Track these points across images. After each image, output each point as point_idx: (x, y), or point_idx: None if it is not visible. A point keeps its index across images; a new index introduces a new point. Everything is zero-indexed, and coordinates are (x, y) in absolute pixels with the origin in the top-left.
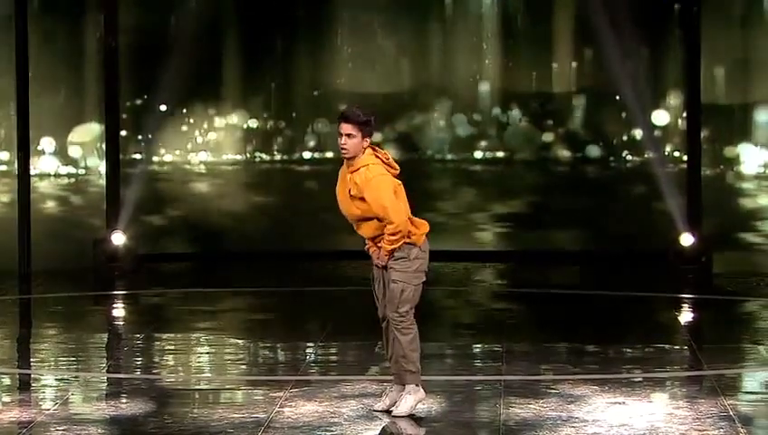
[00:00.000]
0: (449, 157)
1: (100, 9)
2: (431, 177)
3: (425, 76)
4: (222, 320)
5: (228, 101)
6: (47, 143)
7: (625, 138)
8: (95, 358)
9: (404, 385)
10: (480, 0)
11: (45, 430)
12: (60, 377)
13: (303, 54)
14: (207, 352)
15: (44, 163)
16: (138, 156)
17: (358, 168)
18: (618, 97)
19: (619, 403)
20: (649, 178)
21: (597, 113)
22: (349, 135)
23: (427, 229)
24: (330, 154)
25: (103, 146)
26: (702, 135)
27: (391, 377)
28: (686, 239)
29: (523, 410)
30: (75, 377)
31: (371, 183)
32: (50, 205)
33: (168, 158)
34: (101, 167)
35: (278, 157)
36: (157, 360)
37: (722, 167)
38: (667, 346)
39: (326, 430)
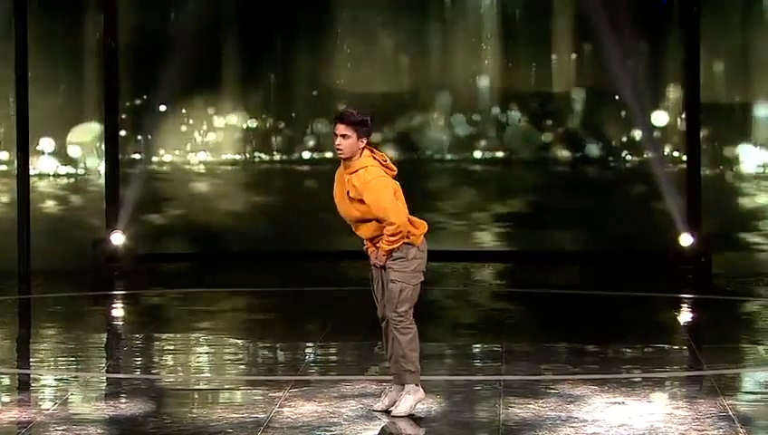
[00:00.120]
0: (449, 157)
1: (100, 9)
2: (430, 177)
3: (424, 76)
4: (221, 320)
5: (228, 101)
6: (47, 143)
7: (624, 138)
8: (94, 358)
9: (403, 385)
10: (479, 0)
11: (45, 430)
12: (59, 377)
13: (303, 54)
14: (207, 353)
15: (44, 163)
16: (137, 156)
17: (356, 169)
18: (617, 97)
19: (619, 403)
20: (649, 178)
21: (596, 113)
22: (344, 135)
23: (426, 229)
24: (329, 154)
25: (103, 146)
26: (701, 135)
27: (391, 377)
28: (686, 239)
29: (523, 410)
30: (75, 377)
31: (370, 185)
32: (49, 205)
33: (167, 158)
34: (101, 167)
35: (277, 157)
36: (156, 360)
37: (721, 167)
38: (666, 346)
39: (325, 430)
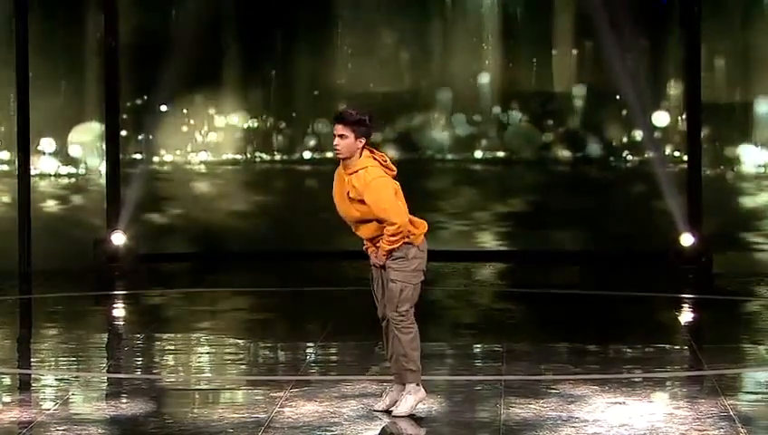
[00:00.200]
0: (449, 157)
1: (101, 9)
2: (431, 176)
3: (425, 75)
4: (222, 320)
5: (228, 101)
6: (47, 143)
7: (625, 138)
8: (95, 358)
9: (404, 385)
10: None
11: (45, 430)
12: (60, 377)
13: (303, 54)
14: (208, 353)
15: (45, 163)
16: (138, 156)
17: (356, 170)
18: (618, 96)
19: (620, 403)
20: (650, 178)
21: (597, 113)
22: (341, 135)
23: (426, 229)
24: (330, 154)
25: (103, 146)
26: (702, 134)
27: (391, 377)
28: (687, 239)
29: (524, 410)
30: (75, 377)
31: (371, 185)
32: (50, 205)
33: (168, 157)
34: (102, 167)
35: (278, 157)
36: (157, 360)
37: (722, 167)
38: (667, 346)
39: (326, 430)
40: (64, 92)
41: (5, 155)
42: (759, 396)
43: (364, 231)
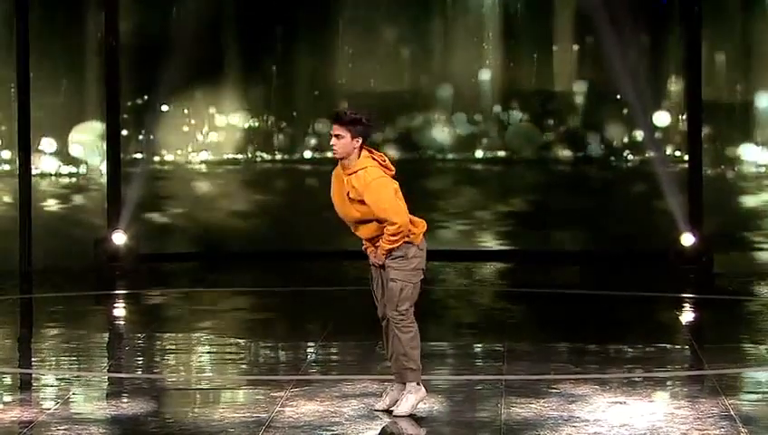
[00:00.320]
0: (450, 156)
1: (101, 8)
2: (432, 176)
3: (426, 75)
4: (223, 320)
5: (229, 101)
6: (48, 143)
7: (626, 137)
8: (96, 357)
9: (405, 384)
10: None
11: (46, 429)
12: (61, 376)
13: (304, 53)
14: (208, 352)
15: (46, 162)
16: (139, 155)
17: (355, 171)
18: (619, 96)
19: (620, 403)
20: (650, 178)
21: (598, 112)
22: (338, 135)
23: (425, 228)
24: (330, 154)
25: (104, 145)
26: (703, 134)
27: (392, 376)
28: (687, 239)
29: (524, 409)
30: (76, 377)
31: (371, 186)
32: (51, 204)
33: (169, 157)
34: (102, 166)
35: (279, 156)
36: (158, 359)
37: (723, 166)
38: (668, 346)
39: (327, 430)
40: (65, 92)
41: (6, 154)
42: (760, 396)
43: (364, 231)
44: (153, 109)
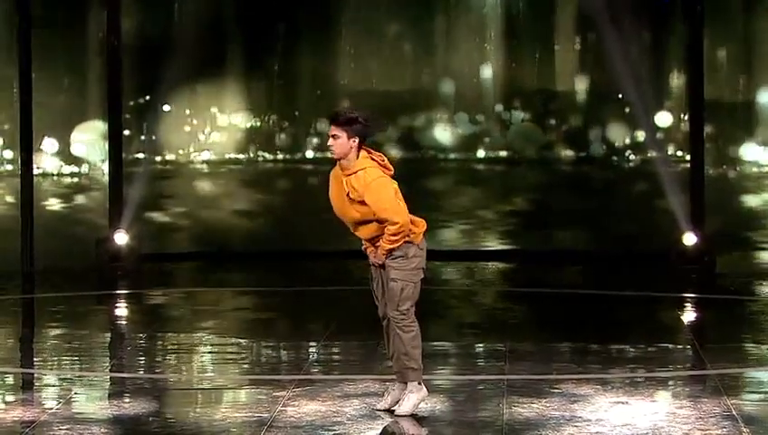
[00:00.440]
0: (452, 156)
1: (103, 8)
2: (434, 176)
3: (428, 75)
4: (225, 319)
5: (231, 101)
6: (50, 142)
7: (628, 137)
8: (98, 357)
9: (406, 383)
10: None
11: (48, 429)
12: (63, 376)
13: (306, 54)
14: (210, 352)
15: (48, 162)
16: (141, 155)
17: (354, 171)
18: (621, 96)
19: (622, 403)
20: (652, 178)
21: (600, 112)
22: (334, 135)
23: (425, 228)
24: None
25: (106, 145)
26: (705, 133)
27: (393, 376)
28: (689, 239)
29: (526, 409)
30: (78, 376)
31: (371, 186)
32: (53, 204)
33: (170, 157)
34: (104, 166)
35: (281, 156)
36: (160, 359)
37: (725, 166)
38: (670, 346)
39: (329, 430)
40: (67, 92)
41: (9, 154)
42: (762, 396)
43: (363, 232)
44: (155, 108)
